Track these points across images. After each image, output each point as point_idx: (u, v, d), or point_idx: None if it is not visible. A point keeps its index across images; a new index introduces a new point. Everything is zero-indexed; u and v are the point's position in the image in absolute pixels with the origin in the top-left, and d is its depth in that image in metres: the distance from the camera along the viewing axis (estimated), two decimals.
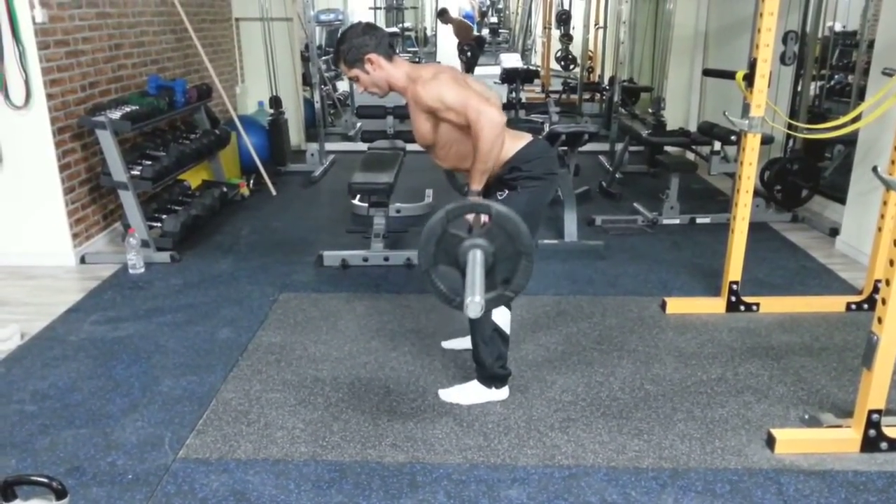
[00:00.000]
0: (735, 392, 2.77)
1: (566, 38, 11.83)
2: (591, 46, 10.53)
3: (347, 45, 2.43)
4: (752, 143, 3.16)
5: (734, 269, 3.38)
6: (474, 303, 1.96)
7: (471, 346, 2.70)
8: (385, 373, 2.93)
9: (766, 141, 4.52)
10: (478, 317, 2.01)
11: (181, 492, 2.20)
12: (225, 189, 5.12)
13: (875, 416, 2.33)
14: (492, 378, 2.67)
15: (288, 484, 2.24)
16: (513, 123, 2.58)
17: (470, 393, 2.69)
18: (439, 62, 11.85)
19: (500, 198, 2.49)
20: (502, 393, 2.71)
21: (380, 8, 16.08)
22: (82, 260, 4.15)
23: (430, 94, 2.34)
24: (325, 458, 2.37)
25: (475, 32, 12.88)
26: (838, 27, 5.82)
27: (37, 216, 4.05)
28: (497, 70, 9.63)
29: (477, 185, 2.36)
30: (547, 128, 4.84)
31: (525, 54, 14.29)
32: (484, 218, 2.20)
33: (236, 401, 2.71)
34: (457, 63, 11.71)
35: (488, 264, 2.11)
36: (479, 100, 2.29)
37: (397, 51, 6.79)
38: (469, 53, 11.32)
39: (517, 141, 2.51)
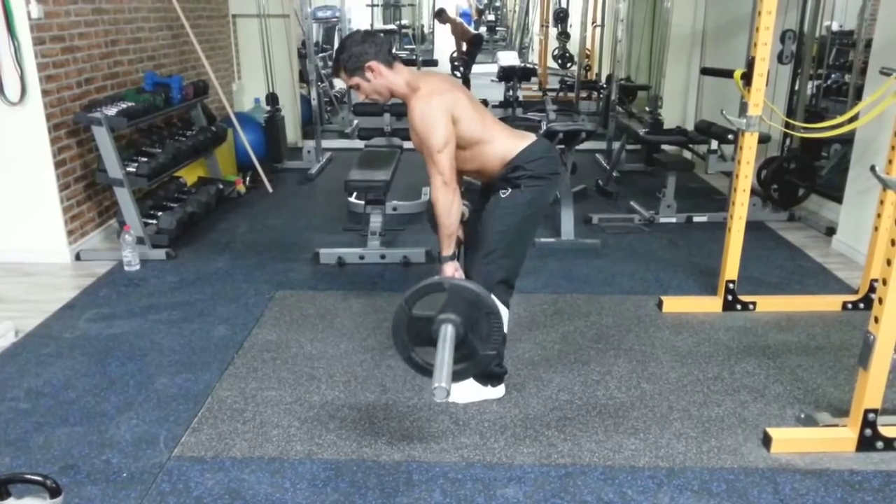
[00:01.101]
0: (731, 391, 2.77)
1: (563, 36, 11.83)
2: (588, 45, 10.53)
3: (347, 53, 2.43)
4: (750, 142, 3.16)
5: (731, 268, 3.38)
6: (440, 388, 2.03)
7: None
8: (381, 371, 2.92)
9: (764, 140, 4.53)
10: (443, 401, 2.11)
11: (176, 490, 2.19)
12: (221, 186, 5.10)
13: (871, 415, 2.33)
14: (488, 376, 2.67)
15: (283, 482, 2.23)
16: (510, 122, 2.58)
17: (466, 391, 2.68)
18: (437, 68, 11.80)
19: (503, 196, 2.49)
20: (498, 391, 2.70)
21: (377, 5, 16.04)
22: (77, 257, 4.14)
23: (420, 121, 2.38)
24: (321, 456, 2.36)
25: (472, 31, 12.85)
26: (835, 27, 5.82)
27: (32, 213, 4.03)
28: (494, 68, 9.63)
29: (446, 251, 2.46)
30: (544, 126, 4.84)
31: (522, 52, 14.30)
32: (459, 273, 2.40)
33: (232, 399, 2.71)
34: (454, 60, 11.68)
35: (460, 335, 2.20)
36: (437, 169, 2.37)
37: (394, 48, 6.74)
38: (466, 58, 11.29)
39: (521, 140, 2.51)
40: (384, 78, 2.45)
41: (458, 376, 2.23)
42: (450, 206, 2.39)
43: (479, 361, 2.28)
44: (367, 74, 2.44)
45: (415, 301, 2.21)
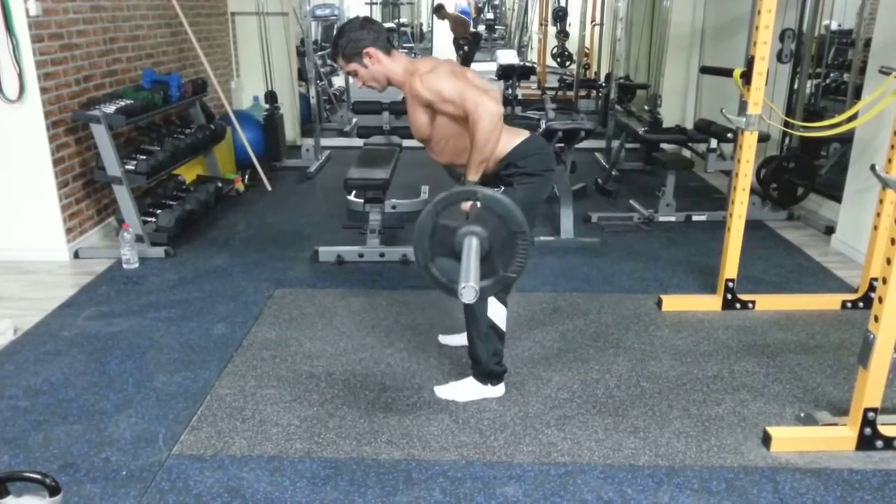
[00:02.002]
0: (731, 390, 2.77)
1: (562, 34, 11.82)
2: (587, 43, 10.53)
3: (346, 39, 2.42)
4: (749, 141, 3.16)
5: (730, 267, 3.38)
6: (469, 287, 1.95)
7: (467, 342, 2.69)
8: (381, 369, 2.92)
9: (763, 139, 4.53)
10: (473, 301, 1.99)
11: (175, 488, 2.19)
12: (220, 184, 5.10)
13: (871, 414, 2.33)
14: (488, 375, 2.67)
15: (283, 481, 2.23)
16: (509, 120, 2.57)
17: (466, 390, 2.68)
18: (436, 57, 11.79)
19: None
20: (498, 390, 2.70)
21: (376, 3, 16.03)
22: (76, 255, 4.13)
23: (428, 86, 2.33)
24: (321, 454, 2.36)
25: (471, 28, 12.84)
26: (834, 25, 5.82)
27: (30, 211, 4.02)
28: (493, 66, 9.62)
29: (473, 175, 2.35)
30: (543, 125, 4.83)
31: (521, 51, 14.28)
32: (478, 204, 2.19)
33: (231, 397, 2.70)
34: (454, 58, 11.68)
35: (484, 249, 2.10)
36: (476, 91, 2.29)
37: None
38: (465, 49, 11.30)
39: (514, 137, 2.50)
40: (382, 65, 2.42)
41: (481, 292, 2.08)
42: (493, 128, 2.26)
43: (500, 280, 2.16)
44: (364, 60, 2.41)
45: (444, 207, 2.10)
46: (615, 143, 6.17)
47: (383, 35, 2.46)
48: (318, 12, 9.15)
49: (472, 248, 2.06)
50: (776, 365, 2.96)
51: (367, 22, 2.47)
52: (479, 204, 2.13)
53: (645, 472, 2.28)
